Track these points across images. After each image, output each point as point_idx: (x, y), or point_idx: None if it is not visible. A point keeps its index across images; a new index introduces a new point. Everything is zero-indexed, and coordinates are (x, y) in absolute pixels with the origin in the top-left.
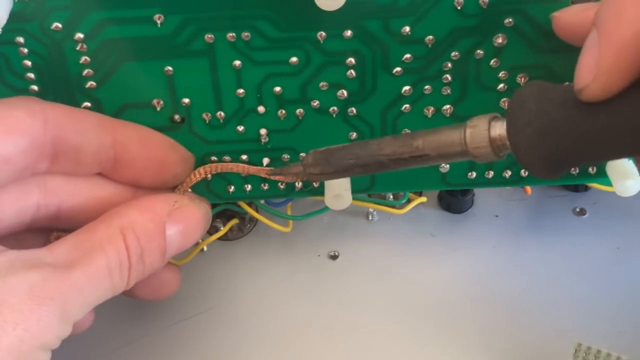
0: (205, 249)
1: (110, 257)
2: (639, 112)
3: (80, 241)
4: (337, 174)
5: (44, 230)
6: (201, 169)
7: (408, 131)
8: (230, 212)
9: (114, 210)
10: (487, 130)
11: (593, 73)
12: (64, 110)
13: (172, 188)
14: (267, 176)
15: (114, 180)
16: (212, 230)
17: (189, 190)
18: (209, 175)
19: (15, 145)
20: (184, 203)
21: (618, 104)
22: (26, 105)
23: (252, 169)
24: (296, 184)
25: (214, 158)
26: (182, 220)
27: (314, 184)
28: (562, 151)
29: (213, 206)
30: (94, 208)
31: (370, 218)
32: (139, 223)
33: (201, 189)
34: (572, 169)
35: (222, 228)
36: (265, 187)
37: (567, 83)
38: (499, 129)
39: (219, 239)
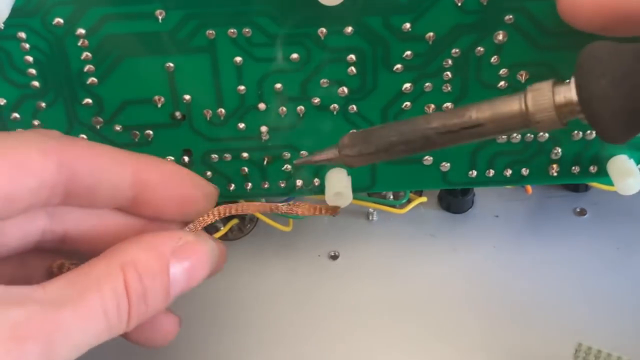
0: None
1: (106, 296)
2: None
3: (77, 278)
4: (377, 154)
5: (51, 253)
6: (215, 211)
7: None
8: None
9: (115, 247)
10: (551, 92)
11: None
12: (81, 148)
13: (184, 224)
14: (309, 213)
15: (131, 214)
16: (212, 230)
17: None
18: (223, 216)
19: (23, 185)
20: (189, 240)
21: None
22: (41, 142)
23: (282, 208)
24: (296, 182)
25: (214, 156)
26: (187, 257)
27: (314, 182)
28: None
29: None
30: (102, 236)
31: (370, 218)
32: (141, 261)
33: None
34: None
35: (222, 228)
36: (266, 186)
37: None
38: (565, 90)
39: (219, 238)
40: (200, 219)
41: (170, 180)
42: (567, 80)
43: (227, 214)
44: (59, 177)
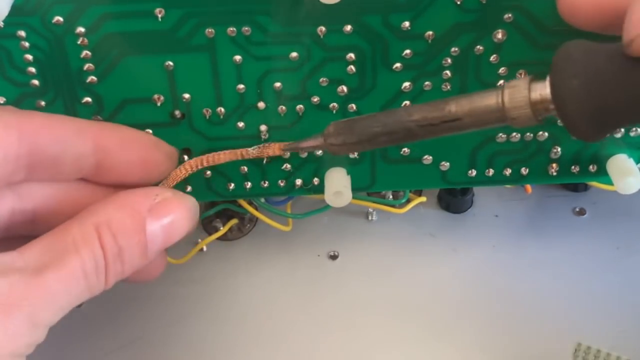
0: (204, 249)
1: (84, 258)
2: None
3: (53, 242)
4: (360, 144)
5: (24, 238)
6: (187, 164)
7: None
8: (230, 212)
9: (89, 207)
10: (527, 90)
11: None
12: (40, 120)
13: (156, 184)
14: (279, 153)
15: (96, 183)
16: (211, 230)
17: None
18: (195, 169)
19: None
20: (166, 196)
21: None
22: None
23: (252, 152)
24: (296, 181)
25: None
26: (165, 214)
27: (314, 181)
28: (609, 106)
29: (212, 205)
30: (72, 211)
31: (370, 218)
32: (115, 220)
33: (201, 187)
34: (615, 131)
35: (221, 228)
36: (266, 185)
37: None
38: (540, 88)
39: (219, 238)
40: (173, 174)
41: (130, 144)
42: (544, 78)
43: (200, 167)
44: (21, 150)
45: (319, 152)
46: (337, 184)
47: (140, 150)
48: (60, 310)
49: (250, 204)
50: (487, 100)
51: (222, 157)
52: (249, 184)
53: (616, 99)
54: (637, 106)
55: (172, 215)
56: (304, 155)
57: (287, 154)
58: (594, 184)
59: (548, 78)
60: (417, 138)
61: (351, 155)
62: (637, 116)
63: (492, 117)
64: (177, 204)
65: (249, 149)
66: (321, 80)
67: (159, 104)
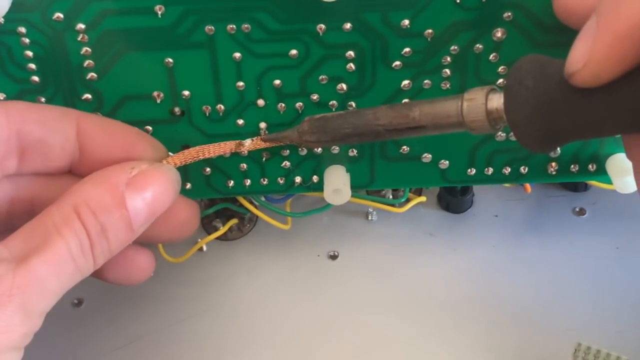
0: (204, 248)
1: (67, 239)
2: (637, 93)
3: (34, 229)
4: (333, 142)
5: None
6: (172, 159)
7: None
8: (230, 211)
9: (67, 190)
10: (484, 104)
11: (585, 60)
12: (24, 105)
13: None
14: (260, 144)
15: (84, 175)
16: (211, 229)
17: None
18: (184, 163)
19: None
20: (143, 168)
21: (615, 84)
22: None
23: (245, 145)
24: (295, 179)
25: None
26: (145, 185)
27: (313, 178)
28: (558, 129)
29: (212, 204)
30: None
31: (369, 218)
32: (93, 197)
33: (200, 184)
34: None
35: (221, 227)
36: (265, 182)
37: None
38: (496, 102)
39: (218, 238)
40: (165, 162)
41: (112, 129)
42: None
43: (190, 161)
44: (10, 130)
45: (318, 150)
46: (337, 182)
47: (122, 137)
48: (52, 295)
49: (250, 202)
50: (448, 109)
51: (217, 149)
52: (248, 182)
53: (564, 123)
54: (582, 131)
55: (153, 187)
56: (280, 152)
57: (287, 151)
58: (594, 183)
59: (503, 95)
60: (385, 138)
61: (350, 153)
62: (583, 137)
63: (454, 125)
64: (156, 174)
65: (243, 141)
66: (321, 77)
67: (158, 101)
